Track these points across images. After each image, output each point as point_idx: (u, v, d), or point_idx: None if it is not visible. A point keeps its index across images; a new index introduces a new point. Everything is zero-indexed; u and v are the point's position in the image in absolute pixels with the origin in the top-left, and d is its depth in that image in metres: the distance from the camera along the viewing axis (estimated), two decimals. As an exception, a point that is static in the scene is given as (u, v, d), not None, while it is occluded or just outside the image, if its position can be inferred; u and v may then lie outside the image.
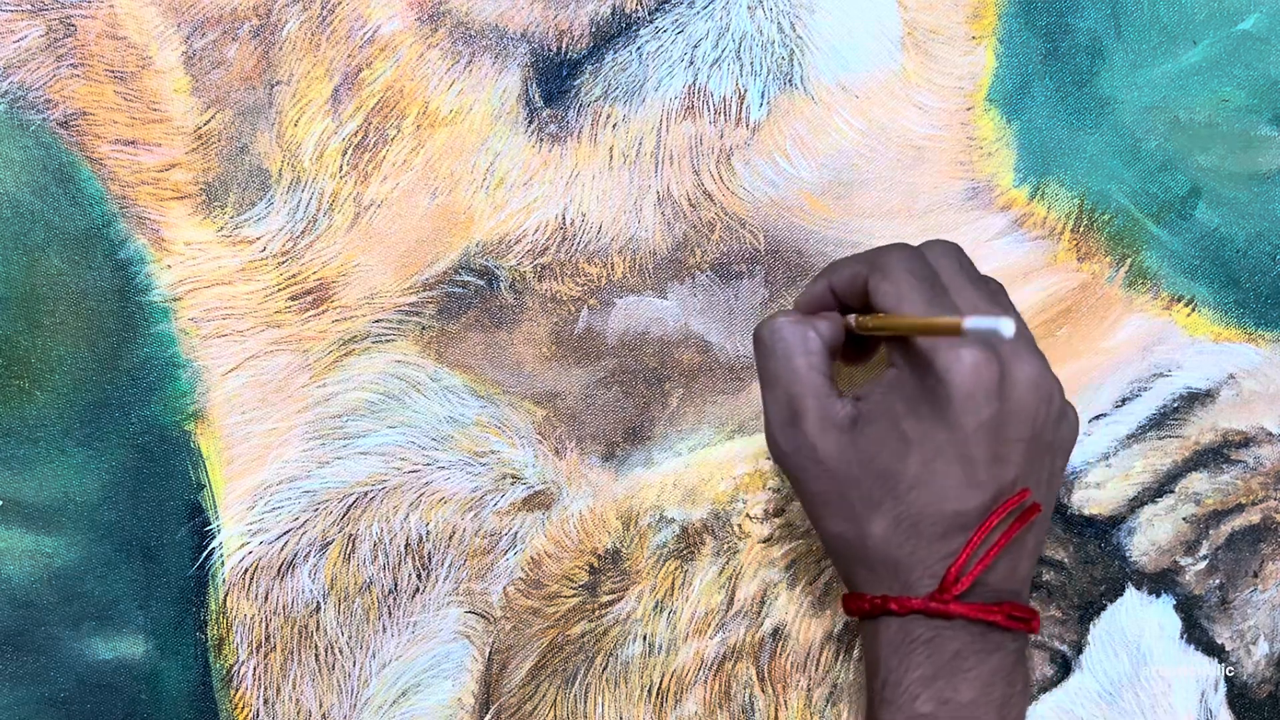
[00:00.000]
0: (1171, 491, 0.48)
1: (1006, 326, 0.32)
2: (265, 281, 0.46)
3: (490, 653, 0.47)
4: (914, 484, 0.36)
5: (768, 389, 0.39)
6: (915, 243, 0.40)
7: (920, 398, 0.37)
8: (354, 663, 0.46)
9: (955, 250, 0.40)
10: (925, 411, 0.36)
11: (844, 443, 0.38)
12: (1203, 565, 0.48)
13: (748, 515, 0.47)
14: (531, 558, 0.47)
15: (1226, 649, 0.48)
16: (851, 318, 0.40)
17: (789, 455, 0.39)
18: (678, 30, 0.46)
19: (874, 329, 0.38)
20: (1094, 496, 0.48)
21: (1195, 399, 0.48)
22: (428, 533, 0.46)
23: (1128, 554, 0.47)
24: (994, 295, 0.39)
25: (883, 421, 0.37)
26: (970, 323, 0.33)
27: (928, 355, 0.36)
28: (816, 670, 0.47)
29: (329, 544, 0.46)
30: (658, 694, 0.47)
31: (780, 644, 0.47)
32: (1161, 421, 0.48)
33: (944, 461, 0.36)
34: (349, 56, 0.45)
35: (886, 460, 0.37)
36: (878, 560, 0.37)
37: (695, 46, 0.46)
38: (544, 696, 0.46)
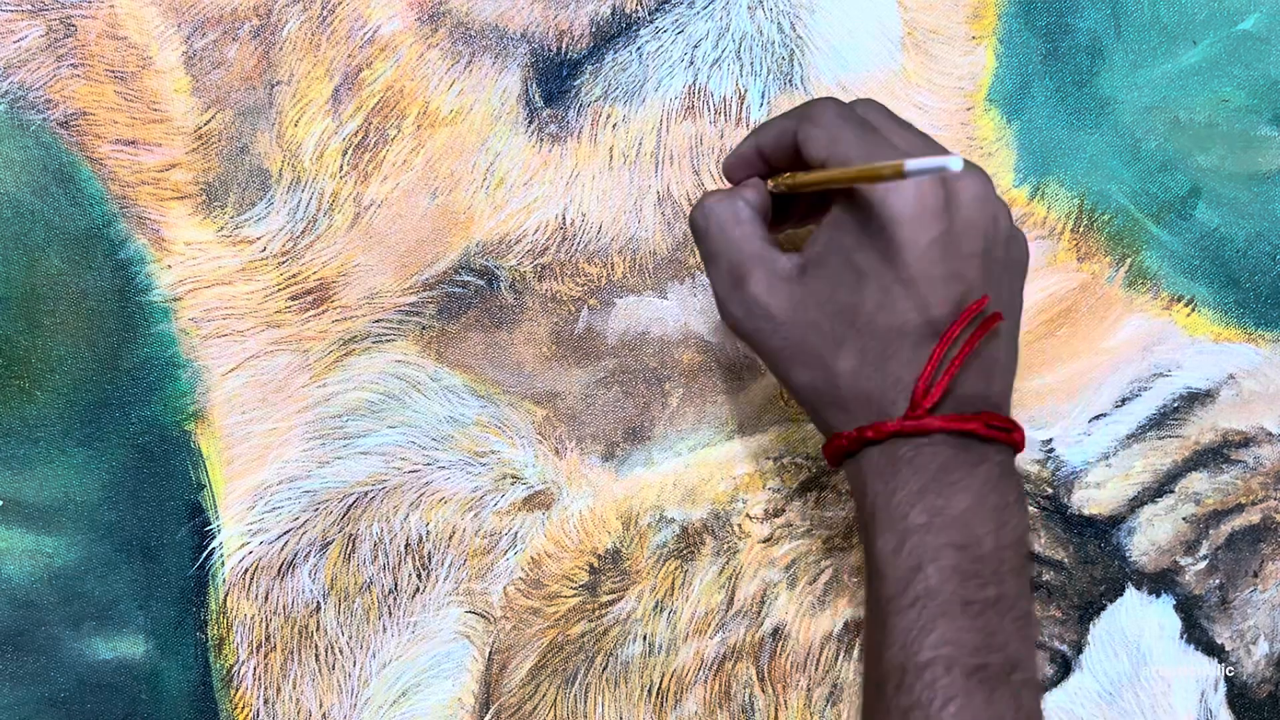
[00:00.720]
0: (1171, 491, 0.48)
1: (955, 162, 0.31)
2: (265, 281, 0.46)
3: (490, 653, 0.47)
4: (874, 311, 0.37)
5: (710, 265, 0.40)
6: None
7: (867, 229, 0.37)
8: (354, 663, 0.46)
9: (879, 104, 0.40)
10: (875, 241, 0.37)
11: (795, 292, 0.38)
12: (1203, 565, 0.48)
13: (748, 515, 0.47)
14: (531, 558, 0.47)
15: (1226, 649, 0.48)
16: (782, 178, 0.40)
17: (742, 320, 0.39)
18: (678, 30, 0.46)
19: (808, 184, 0.38)
20: (1094, 496, 0.48)
21: (1195, 399, 0.48)
22: (428, 533, 0.46)
23: (1128, 554, 0.48)
24: (926, 138, 0.39)
25: (833, 260, 0.37)
26: (913, 163, 0.32)
27: (866, 188, 0.36)
28: (816, 670, 0.47)
29: (329, 544, 0.46)
30: (658, 694, 0.47)
31: (780, 644, 0.47)
32: (1161, 421, 0.48)
33: (901, 285, 0.36)
34: (349, 56, 0.45)
35: (844, 296, 0.37)
36: (850, 397, 0.37)
37: (695, 46, 0.46)
38: (544, 696, 0.47)
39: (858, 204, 0.37)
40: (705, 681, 0.47)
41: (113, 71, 0.45)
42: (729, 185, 0.42)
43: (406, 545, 0.46)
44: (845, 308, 0.37)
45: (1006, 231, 0.38)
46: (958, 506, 0.36)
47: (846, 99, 0.43)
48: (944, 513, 0.36)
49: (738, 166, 0.42)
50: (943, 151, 0.38)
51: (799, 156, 0.39)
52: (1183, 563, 0.48)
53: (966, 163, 0.37)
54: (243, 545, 0.46)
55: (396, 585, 0.46)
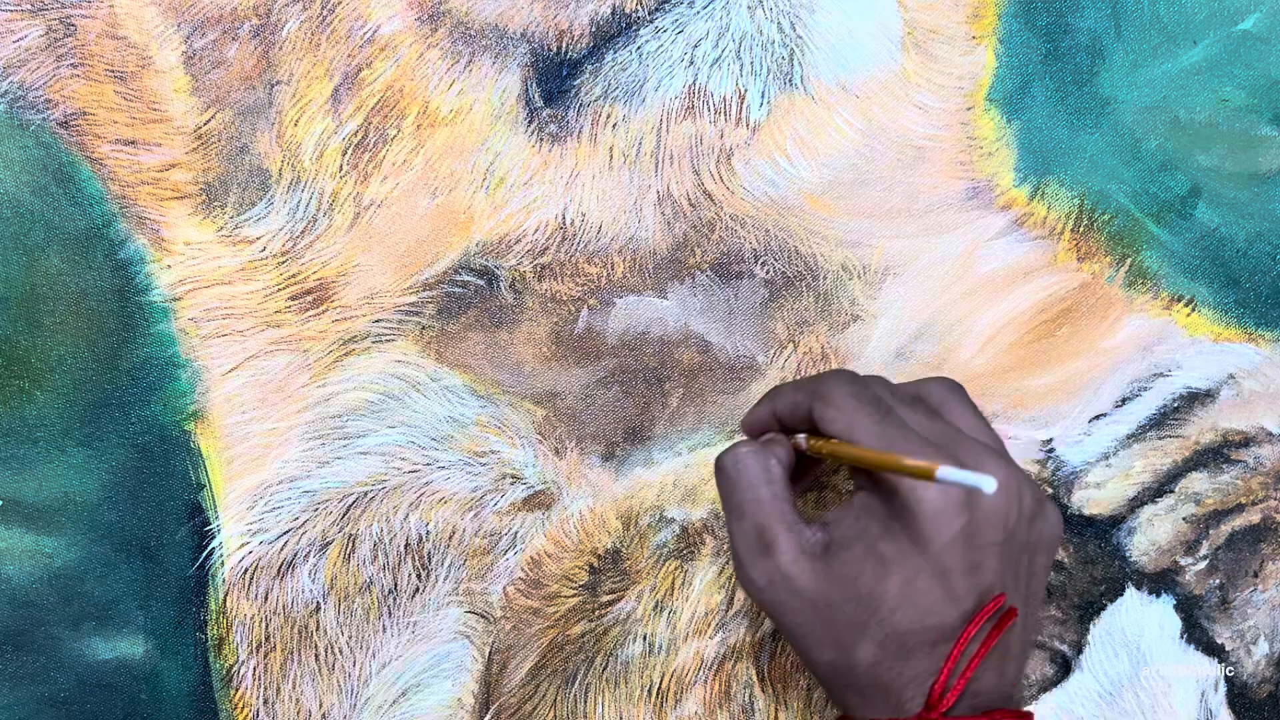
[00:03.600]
0: (1171, 491, 0.48)
1: (987, 484, 0.32)
2: (265, 281, 0.46)
3: (490, 653, 0.47)
4: (897, 604, 0.37)
5: (735, 520, 0.39)
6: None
7: (892, 518, 0.37)
8: (354, 663, 0.46)
9: (887, 381, 0.41)
10: (898, 531, 0.37)
11: (819, 570, 0.38)
12: (1203, 565, 0.48)
13: (748, 515, 0.47)
14: (531, 558, 0.47)
15: (1226, 649, 0.48)
16: (801, 438, 0.40)
17: (764, 589, 0.38)
18: (678, 30, 0.46)
19: (831, 455, 0.39)
20: (1094, 496, 0.48)
21: (1195, 399, 0.48)
22: (428, 533, 0.46)
23: (1128, 554, 0.47)
24: (932, 414, 0.39)
25: (858, 545, 0.37)
26: (945, 473, 0.33)
27: (891, 477, 0.37)
28: (816, 670, 0.47)
29: (329, 544, 0.46)
30: (658, 694, 0.47)
31: (780, 644, 0.47)
32: (1161, 421, 0.48)
33: (924, 578, 0.36)
34: (349, 56, 0.45)
35: (868, 583, 0.37)
36: (867, 684, 0.37)
37: (695, 46, 0.46)
38: (544, 696, 0.46)
39: (884, 491, 0.37)
40: (705, 681, 0.47)
41: (112, 71, 0.45)
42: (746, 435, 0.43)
43: (406, 545, 0.46)
44: (868, 595, 0.37)
45: (1030, 511, 0.38)
46: None
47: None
48: None
49: (755, 428, 0.42)
50: (968, 460, 0.37)
51: (814, 422, 0.39)
52: (1183, 563, 0.48)
53: (989, 449, 0.37)
54: (242, 545, 0.46)
55: (396, 585, 0.46)
